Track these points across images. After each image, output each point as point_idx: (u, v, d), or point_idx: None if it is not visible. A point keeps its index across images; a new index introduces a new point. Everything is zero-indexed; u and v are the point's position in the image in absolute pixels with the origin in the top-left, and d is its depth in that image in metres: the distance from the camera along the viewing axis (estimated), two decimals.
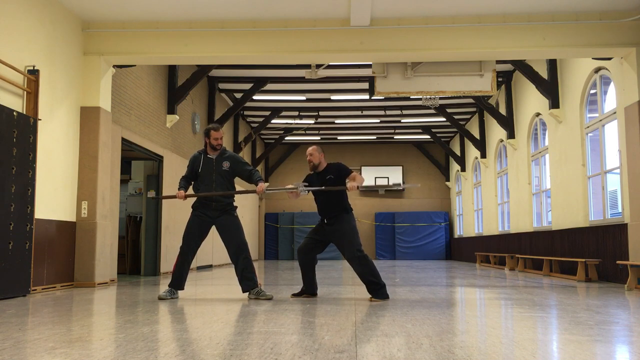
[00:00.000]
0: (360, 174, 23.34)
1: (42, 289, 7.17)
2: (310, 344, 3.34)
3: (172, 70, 11.94)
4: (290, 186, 6.04)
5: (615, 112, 8.87)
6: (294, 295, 6.21)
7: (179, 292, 6.40)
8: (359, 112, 17.66)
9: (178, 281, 6.18)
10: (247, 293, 6.11)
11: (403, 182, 6.10)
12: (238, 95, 16.29)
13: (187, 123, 13.42)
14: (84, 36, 8.44)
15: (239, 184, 6.43)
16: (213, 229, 6.25)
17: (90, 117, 8.27)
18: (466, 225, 20.30)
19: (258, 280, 6.14)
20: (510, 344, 3.39)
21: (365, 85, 12.99)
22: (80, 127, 8.24)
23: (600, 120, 9.44)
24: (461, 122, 18.96)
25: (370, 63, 9.60)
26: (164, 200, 11.43)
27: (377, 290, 5.79)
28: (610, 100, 9.26)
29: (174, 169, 12.23)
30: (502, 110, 14.72)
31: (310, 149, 6.11)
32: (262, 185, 5.98)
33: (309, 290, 6.16)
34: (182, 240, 6.21)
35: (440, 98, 14.48)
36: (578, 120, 10.14)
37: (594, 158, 9.85)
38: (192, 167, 6.19)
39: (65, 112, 7.89)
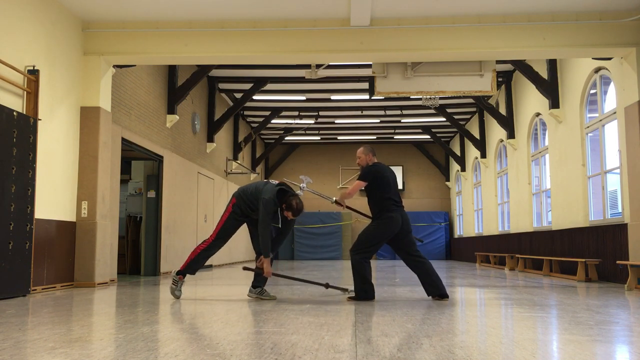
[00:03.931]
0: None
1: (42, 289, 7.17)
2: (310, 344, 3.34)
3: (172, 70, 11.94)
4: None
5: (615, 112, 8.87)
6: (435, 298, 5.99)
7: (190, 277, 6.35)
8: (359, 112, 17.66)
9: (192, 268, 6.04)
10: (248, 291, 6.13)
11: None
12: (238, 95, 16.28)
13: (187, 123, 13.42)
14: (84, 36, 8.44)
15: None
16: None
17: (90, 117, 8.27)
18: (466, 225, 20.29)
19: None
20: (510, 344, 3.39)
21: (365, 85, 12.98)
22: (80, 127, 8.24)
23: (600, 120, 9.44)
24: (461, 122, 18.95)
25: (370, 63, 9.60)
26: (163, 200, 11.44)
27: (356, 291, 5.88)
28: (610, 100, 9.25)
29: (174, 169, 12.23)
30: (502, 110, 14.71)
31: (358, 150, 6.26)
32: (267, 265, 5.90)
33: (436, 292, 5.93)
34: (216, 234, 6.01)
35: (440, 98, 14.47)
36: (578, 120, 10.14)
37: (594, 158, 9.85)
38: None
39: (65, 112, 7.89)
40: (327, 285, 6.71)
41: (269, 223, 5.74)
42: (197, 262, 6.06)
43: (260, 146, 22.17)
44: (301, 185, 6.40)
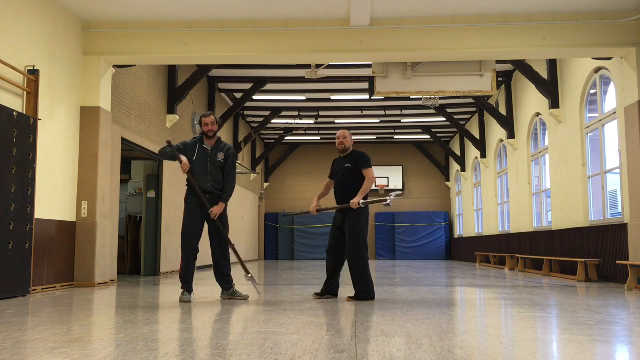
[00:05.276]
0: None
1: (42, 289, 7.17)
2: (310, 344, 3.34)
3: (172, 70, 11.94)
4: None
5: (615, 112, 8.87)
6: (317, 295, 6.12)
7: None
8: (359, 112, 17.66)
9: (185, 283, 5.91)
10: (223, 293, 6.09)
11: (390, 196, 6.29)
12: (238, 95, 16.28)
13: (187, 123, 13.42)
14: (84, 36, 8.44)
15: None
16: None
17: (90, 117, 8.27)
18: (466, 225, 20.29)
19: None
20: (510, 344, 3.39)
21: (365, 85, 12.98)
22: (80, 127, 8.24)
23: (600, 120, 9.44)
24: (461, 122, 18.96)
25: (370, 63, 9.60)
26: (163, 200, 11.44)
27: (357, 292, 5.84)
28: (610, 100, 9.26)
29: (174, 169, 12.23)
30: (502, 110, 14.71)
31: (342, 131, 6.16)
32: (217, 209, 5.93)
33: (331, 290, 6.08)
34: (183, 238, 5.94)
35: (440, 98, 14.48)
36: (578, 120, 10.14)
37: (594, 158, 9.85)
38: (185, 151, 5.92)
39: (65, 112, 7.89)
40: (248, 276, 6.42)
41: (164, 148, 5.88)
42: (185, 275, 5.90)
43: (260, 146, 22.18)
44: (389, 199, 6.22)
